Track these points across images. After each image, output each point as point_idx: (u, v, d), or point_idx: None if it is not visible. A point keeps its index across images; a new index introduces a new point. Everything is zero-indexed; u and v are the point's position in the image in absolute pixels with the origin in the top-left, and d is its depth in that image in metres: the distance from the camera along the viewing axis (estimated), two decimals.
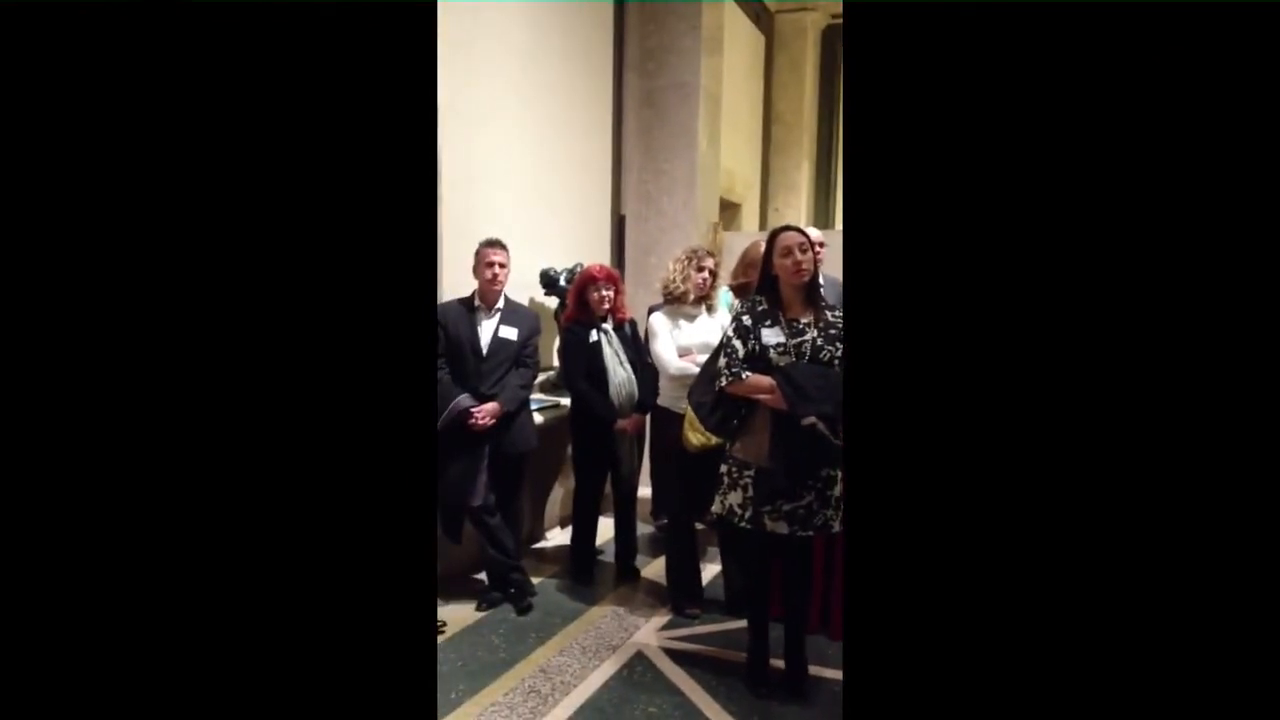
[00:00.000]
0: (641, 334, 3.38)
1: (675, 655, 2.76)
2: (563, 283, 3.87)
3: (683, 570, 3.15)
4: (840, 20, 7.60)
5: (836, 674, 2.60)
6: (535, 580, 3.31)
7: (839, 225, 7.65)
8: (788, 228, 2.42)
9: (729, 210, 6.60)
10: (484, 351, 3.02)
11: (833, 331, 2.36)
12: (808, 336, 2.34)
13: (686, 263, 3.10)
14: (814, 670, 2.57)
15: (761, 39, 7.24)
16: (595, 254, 4.50)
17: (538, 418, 3.36)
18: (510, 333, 3.06)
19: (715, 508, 2.50)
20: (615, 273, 3.35)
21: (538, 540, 3.99)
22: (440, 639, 2.83)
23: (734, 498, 2.41)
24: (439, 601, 3.07)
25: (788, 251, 2.34)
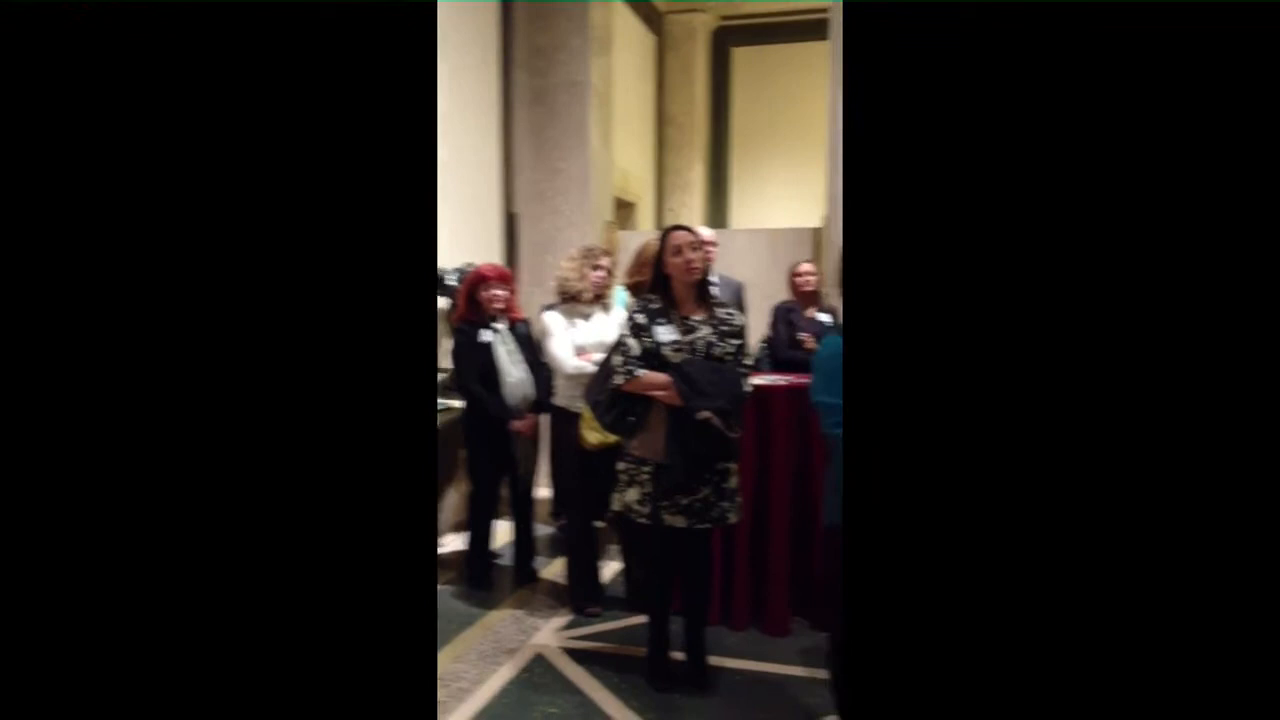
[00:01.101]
0: (536, 333, 3.35)
1: (576, 655, 2.74)
2: (453, 282, 3.78)
3: (582, 569, 3.14)
4: (729, 22, 7.76)
5: (737, 664, 2.66)
6: None
7: (732, 224, 7.81)
8: (679, 227, 2.45)
9: (625, 209, 6.63)
10: None
11: (725, 328, 2.40)
12: (701, 333, 2.37)
13: (582, 261, 3.09)
14: (715, 661, 2.60)
15: (652, 39, 7.31)
16: (485, 252, 4.43)
17: None
18: None
19: (614, 505, 2.51)
20: (507, 271, 3.31)
21: None
22: None
23: (632, 494, 2.42)
24: None
25: (679, 250, 2.37)
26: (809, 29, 6.56)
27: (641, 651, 2.63)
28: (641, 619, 2.80)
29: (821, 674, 2.49)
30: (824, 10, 4.41)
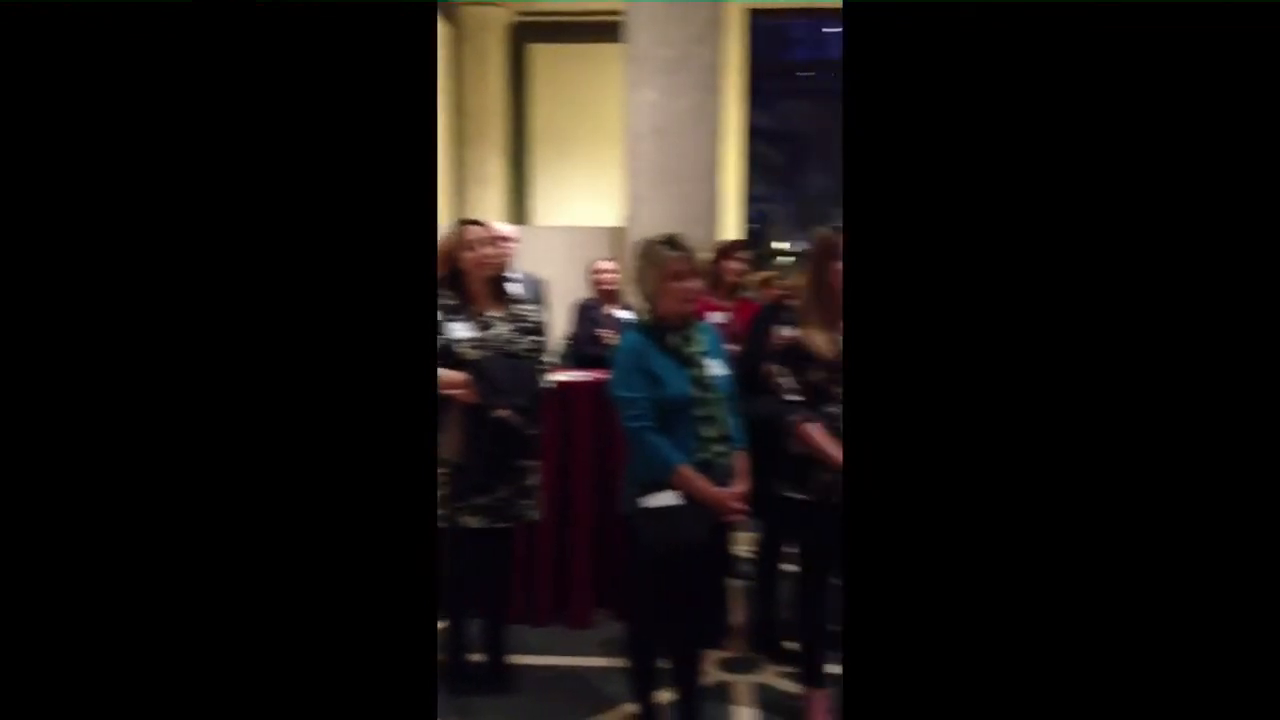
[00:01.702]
0: None
1: None
2: None
3: None
4: (525, 19, 7.72)
5: (538, 660, 2.67)
6: None
7: (534, 221, 7.79)
8: (474, 222, 2.42)
9: None
10: None
11: (523, 325, 2.39)
12: (498, 330, 2.35)
13: None
14: (516, 659, 2.59)
15: (446, 29, 7.13)
16: None
17: None
18: None
19: None
20: None
21: None
22: None
23: None
24: None
25: (473, 245, 2.33)
26: (604, 30, 6.67)
27: (440, 658, 2.56)
28: (440, 624, 2.73)
29: (621, 663, 2.55)
30: (619, 13, 4.50)
